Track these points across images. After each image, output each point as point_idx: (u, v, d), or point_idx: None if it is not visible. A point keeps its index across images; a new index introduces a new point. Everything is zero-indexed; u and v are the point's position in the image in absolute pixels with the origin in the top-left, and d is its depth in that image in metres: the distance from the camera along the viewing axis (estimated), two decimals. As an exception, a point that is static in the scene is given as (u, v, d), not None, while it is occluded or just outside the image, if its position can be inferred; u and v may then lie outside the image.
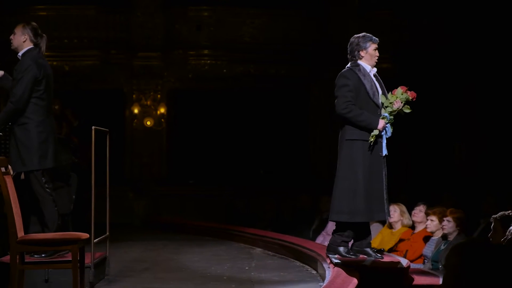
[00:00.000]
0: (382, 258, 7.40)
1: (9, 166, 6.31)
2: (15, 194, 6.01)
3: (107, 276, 7.78)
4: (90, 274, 7.02)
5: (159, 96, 18.27)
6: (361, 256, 7.38)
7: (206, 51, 18.03)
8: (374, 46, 7.41)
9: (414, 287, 7.07)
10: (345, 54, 7.51)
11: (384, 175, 7.31)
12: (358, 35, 7.47)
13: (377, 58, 7.46)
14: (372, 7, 18.17)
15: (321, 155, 18.06)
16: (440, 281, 6.94)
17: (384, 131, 7.26)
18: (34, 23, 7.42)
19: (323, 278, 7.50)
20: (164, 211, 17.15)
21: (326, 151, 17.36)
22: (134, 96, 18.26)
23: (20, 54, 7.31)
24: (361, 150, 7.22)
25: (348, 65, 7.43)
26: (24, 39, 7.30)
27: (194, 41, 17.92)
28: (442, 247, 8.45)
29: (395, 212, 9.39)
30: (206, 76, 17.99)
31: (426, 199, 9.98)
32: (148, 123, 18.14)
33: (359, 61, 7.38)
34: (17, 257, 5.95)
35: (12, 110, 7.10)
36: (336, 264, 7.13)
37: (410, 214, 9.47)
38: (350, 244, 7.51)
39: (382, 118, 7.24)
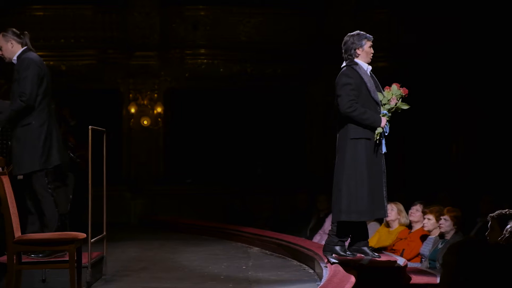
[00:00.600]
0: (379, 257, 7.40)
1: (6, 167, 6.30)
2: (12, 194, 6.01)
3: (104, 276, 7.78)
4: (87, 273, 7.03)
5: (156, 95, 18.26)
6: (358, 255, 7.38)
7: (202, 50, 18.01)
8: (369, 43, 7.43)
9: (411, 286, 7.08)
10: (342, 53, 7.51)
11: (383, 172, 7.33)
12: (351, 33, 7.48)
13: (372, 55, 7.48)
14: (369, 6, 18.18)
15: (318, 154, 18.06)
16: (438, 280, 6.94)
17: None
18: (9, 28, 7.39)
19: (320, 277, 7.50)
20: (161, 211, 17.13)
21: (323, 150, 17.37)
22: (131, 95, 18.24)
23: (15, 58, 7.29)
24: (364, 148, 7.23)
25: (345, 63, 7.42)
26: (12, 45, 7.31)
27: (190, 40, 17.90)
28: (440, 246, 8.45)
29: (392, 211, 9.39)
30: (203, 75, 17.98)
31: (423, 198, 9.98)
32: (145, 122, 18.14)
33: (356, 59, 7.38)
34: (14, 257, 5.94)
35: (22, 107, 7.06)
36: (333, 263, 7.13)
37: (407, 213, 9.47)
38: (346, 243, 7.52)
39: (383, 116, 7.26)
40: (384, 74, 8.54)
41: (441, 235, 8.62)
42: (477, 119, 17.52)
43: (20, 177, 7.21)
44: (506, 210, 6.72)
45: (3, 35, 7.32)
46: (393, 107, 7.32)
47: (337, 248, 7.36)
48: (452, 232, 8.53)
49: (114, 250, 9.49)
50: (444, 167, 17.66)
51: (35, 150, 7.06)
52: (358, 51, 7.38)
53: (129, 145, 18.20)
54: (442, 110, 17.74)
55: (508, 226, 6.19)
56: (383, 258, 7.44)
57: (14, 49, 7.30)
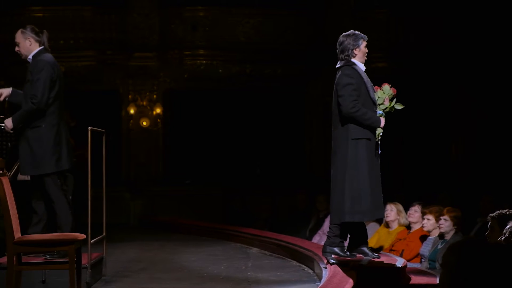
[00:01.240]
0: (379, 257, 7.41)
1: (3, 169, 6.29)
2: (12, 195, 6.01)
3: (104, 277, 7.78)
4: (87, 274, 7.02)
5: (155, 96, 18.27)
6: (358, 255, 7.38)
7: (201, 51, 18.01)
8: (365, 43, 7.45)
9: (411, 286, 7.07)
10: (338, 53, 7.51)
11: (379, 172, 7.35)
12: (347, 33, 7.48)
13: (367, 54, 7.50)
14: (368, 7, 18.19)
15: (317, 154, 18.07)
16: (437, 280, 6.94)
17: (381, 129, 7.33)
18: (28, 25, 7.38)
19: (319, 277, 7.50)
20: (160, 211, 17.14)
21: (323, 150, 17.36)
22: (130, 96, 18.25)
23: (30, 57, 7.25)
24: (365, 149, 7.23)
25: (341, 63, 7.40)
26: (30, 43, 7.26)
27: (189, 41, 17.91)
28: (439, 246, 8.45)
29: (392, 211, 9.39)
30: (202, 76, 17.98)
31: (423, 198, 9.98)
32: (144, 123, 18.14)
33: (353, 59, 7.38)
34: (14, 258, 5.94)
35: (33, 110, 7.03)
36: (332, 264, 7.13)
37: (406, 213, 9.47)
38: (346, 243, 7.52)
39: (380, 116, 7.27)
40: (383, 74, 8.55)
41: (441, 235, 8.62)
42: (476, 119, 17.53)
43: (23, 177, 7.20)
44: (506, 210, 6.72)
45: (22, 32, 7.27)
46: (387, 107, 7.34)
47: (337, 248, 7.36)
48: (451, 232, 8.53)
49: (113, 251, 9.49)
50: (443, 167, 17.67)
51: (45, 152, 7.03)
52: (356, 51, 7.38)
53: (129, 146, 18.20)
54: (441, 110, 17.75)
55: (508, 226, 6.19)
56: (383, 258, 7.44)
57: (31, 47, 7.26)
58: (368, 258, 7.32)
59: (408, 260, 8.49)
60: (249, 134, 18.43)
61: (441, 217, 8.58)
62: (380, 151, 7.35)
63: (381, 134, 7.29)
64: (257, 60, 17.91)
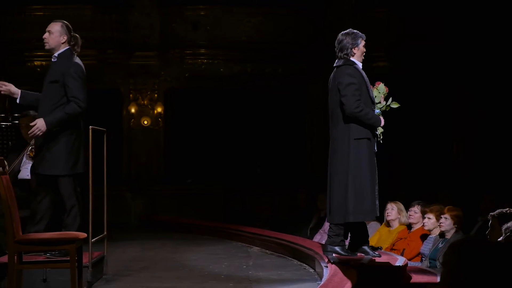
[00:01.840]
0: (380, 256, 7.41)
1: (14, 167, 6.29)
2: (13, 194, 6.01)
3: (105, 276, 7.78)
4: (88, 273, 7.02)
5: (156, 95, 18.27)
6: (358, 254, 7.39)
7: (202, 50, 18.02)
8: (364, 42, 7.45)
9: (411, 285, 7.07)
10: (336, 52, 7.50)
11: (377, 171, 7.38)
12: (345, 32, 7.47)
13: (364, 53, 7.50)
14: (368, 6, 18.19)
15: (318, 153, 18.06)
16: (438, 279, 6.95)
17: (377, 128, 7.35)
18: (67, 22, 7.25)
19: (320, 276, 7.50)
20: (161, 210, 17.14)
21: (323, 149, 17.32)
22: (131, 95, 18.26)
23: (56, 54, 7.16)
24: (366, 148, 7.23)
25: (341, 62, 7.39)
26: (63, 40, 7.16)
27: (190, 40, 17.91)
28: (440, 245, 8.45)
29: (393, 210, 9.38)
30: (203, 75, 17.98)
31: (424, 197, 9.97)
32: (145, 122, 18.14)
33: (352, 58, 7.38)
34: (15, 257, 5.94)
35: (78, 112, 7.02)
36: (333, 263, 7.13)
37: (407, 212, 9.46)
38: (346, 242, 7.53)
39: (378, 115, 7.29)
40: (383, 74, 8.55)
41: (442, 234, 8.62)
42: (477, 118, 17.52)
43: (24, 176, 7.20)
44: (507, 209, 6.73)
45: (62, 26, 7.13)
46: (383, 106, 7.35)
47: (338, 247, 7.36)
48: (452, 231, 8.52)
49: (114, 250, 9.49)
50: (444, 167, 17.67)
51: (66, 154, 6.98)
52: (355, 50, 7.38)
53: (130, 145, 18.21)
54: (442, 109, 17.74)
55: (508, 224, 6.19)
56: (384, 257, 7.44)
57: (62, 45, 7.14)
58: (369, 257, 7.32)
59: (409, 259, 8.49)
60: (250, 133, 18.43)
61: (442, 216, 8.58)
62: (376, 150, 7.36)
63: (381, 133, 7.30)
64: (258, 59, 17.91)
